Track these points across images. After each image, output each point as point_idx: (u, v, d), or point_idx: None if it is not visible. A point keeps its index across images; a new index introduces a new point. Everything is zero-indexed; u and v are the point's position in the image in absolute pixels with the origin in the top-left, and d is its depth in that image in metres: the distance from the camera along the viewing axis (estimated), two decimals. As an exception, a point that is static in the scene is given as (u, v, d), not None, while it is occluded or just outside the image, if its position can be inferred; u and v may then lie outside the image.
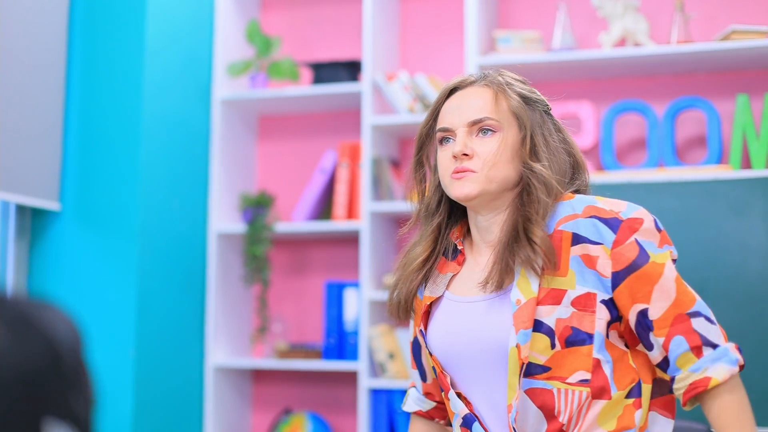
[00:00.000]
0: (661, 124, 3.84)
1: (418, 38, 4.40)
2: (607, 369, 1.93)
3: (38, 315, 0.88)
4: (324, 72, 4.28)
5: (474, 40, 3.92)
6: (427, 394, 2.23)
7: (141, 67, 3.90)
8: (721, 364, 1.89)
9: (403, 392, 3.94)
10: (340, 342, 4.14)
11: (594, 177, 3.66)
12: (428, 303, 2.08)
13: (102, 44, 3.94)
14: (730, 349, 1.91)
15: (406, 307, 2.12)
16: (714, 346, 1.90)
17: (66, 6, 3.87)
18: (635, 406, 1.94)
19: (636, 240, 1.94)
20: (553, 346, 1.92)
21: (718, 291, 3.45)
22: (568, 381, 1.92)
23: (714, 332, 1.91)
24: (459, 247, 2.12)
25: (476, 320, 2.00)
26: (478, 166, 1.98)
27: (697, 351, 1.89)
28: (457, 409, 2.02)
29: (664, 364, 1.93)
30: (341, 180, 4.19)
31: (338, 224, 4.12)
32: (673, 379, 1.93)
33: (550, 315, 1.92)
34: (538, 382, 1.92)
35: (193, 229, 4.22)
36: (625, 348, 1.97)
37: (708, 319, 1.93)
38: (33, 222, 3.89)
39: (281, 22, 4.60)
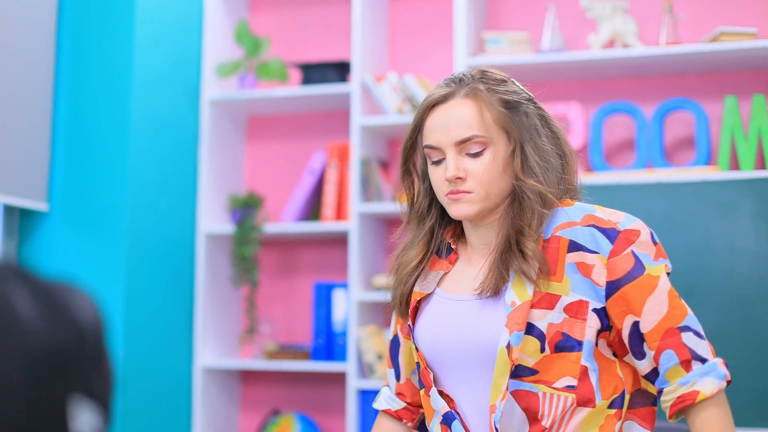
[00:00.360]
0: (650, 125, 3.84)
1: (407, 39, 4.40)
2: (593, 377, 1.94)
3: (66, 296, 0.93)
4: (313, 73, 4.28)
5: (463, 41, 3.92)
6: (399, 394, 2.22)
7: (129, 67, 3.90)
8: (709, 379, 1.90)
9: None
10: (329, 343, 4.13)
11: (583, 178, 3.66)
12: (417, 299, 2.08)
13: (90, 44, 3.93)
14: (718, 364, 1.93)
15: (403, 309, 2.12)
16: (703, 360, 1.92)
17: (54, 5, 3.86)
18: (616, 416, 1.96)
19: (632, 252, 1.94)
20: (542, 350, 1.92)
21: (707, 292, 3.45)
22: (554, 386, 1.92)
23: (703, 347, 1.93)
24: (452, 246, 2.12)
25: (467, 319, 2.00)
26: (473, 186, 1.97)
27: (686, 365, 1.91)
28: (438, 406, 2.01)
29: (653, 375, 1.94)
30: (330, 181, 4.18)
31: (327, 225, 4.12)
32: (660, 391, 1.94)
33: (542, 319, 1.92)
34: (525, 385, 1.93)
35: (181, 230, 4.21)
36: (613, 357, 1.99)
37: (697, 333, 1.94)
38: (21, 222, 3.88)
39: (270, 22, 4.60)
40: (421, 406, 2.19)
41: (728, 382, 1.93)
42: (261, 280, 4.42)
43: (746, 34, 3.69)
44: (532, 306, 1.93)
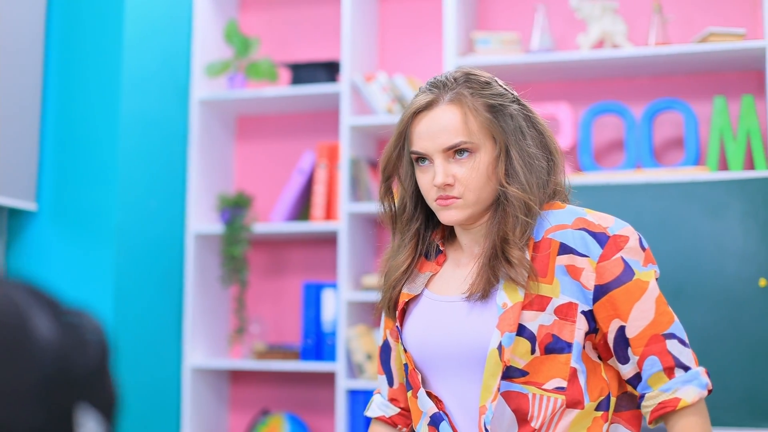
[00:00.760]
0: (639, 125, 3.85)
1: (396, 39, 4.40)
2: (581, 379, 1.95)
3: (75, 315, 1.01)
4: (302, 73, 4.28)
5: (452, 41, 3.92)
6: (392, 400, 2.22)
7: (119, 66, 3.89)
8: (691, 387, 1.91)
9: (381, 393, 3.94)
10: (318, 343, 4.13)
11: (571, 178, 3.66)
12: (405, 300, 2.08)
13: (80, 43, 3.92)
14: (700, 373, 1.93)
15: (391, 313, 2.12)
16: (686, 368, 1.93)
17: (43, 5, 3.85)
18: (603, 419, 1.97)
19: (622, 257, 1.95)
20: (533, 351, 1.93)
21: (695, 292, 3.46)
22: (544, 387, 1.93)
23: (686, 355, 1.94)
24: (441, 248, 2.12)
25: (456, 320, 2.00)
26: (461, 191, 1.97)
27: (669, 372, 1.92)
28: (426, 407, 2.01)
29: (635, 380, 1.96)
30: (319, 181, 4.18)
31: (316, 225, 4.11)
32: (642, 396, 1.95)
33: (533, 321, 1.93)
34: (515, 386, 1.93)
35: (170, 230, 4.21)
36: (598, 360, 2.00)
37: (682, 341, 1.95)
38: (9, 222, 3.87)
39: (260, 22, 4.60)
40: None
41: (709, 391, 1.93)
42: (250, 279, 4.42)
43: (735, 34, 3.70)
44: (523, 308, 1.93)
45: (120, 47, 3.90)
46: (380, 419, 2.23)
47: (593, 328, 1.97)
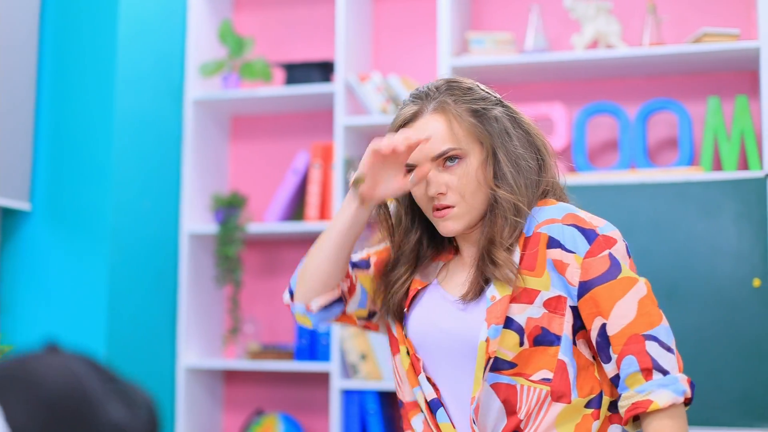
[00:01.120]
0: (633, 125, 3.85)
1: (391, 39, 4.40)
2: (571, 373, 1.96)
3: (133, 392, 1.11)
4: (297, 73, 4.28)
5: (447, 41, 3.92)
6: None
7: (113, 66, 3.89)
8: (665, 391, 1.89)
9: (375, 393, 3.93)
10: (312, 343, 4.13)
11: (565, 177, 3.66)
12: (418, 288, 2.11)
13: (73, 43, 3.92)
14: (680, 379, 1.92)
15: (396, 318, 2.13)
16: (664, 372, 1.91)
17: (37, 4, 3.85)
18: (594, 416, 1.97)
19: (609, 254, 1.97)
20: (521, 343, 1.95)
21: (689, 292, 3.46)
22: (531, 378, 1.95)
23: (668, 360, 1.92)
24: (454, 243, 2.16)
25: (453, 315, 2.03)
26: (455, 200, 2.00)
27: (646, 373, 1.91)
28: (426, 392, 2.04)
29: (616, 379, 1.96)
30: (314, 181, 4.18)
31: (311, 225, 4.11)
32: (619, 396, 1.96)
33: (521, 313, 1.95)
34: (504, 378, 1.96)
35: (164, 230, 4.20)
36: (591, 359, 2.01)
37: (664, 345, 1.93)
38: (3, 222, 3.86)
39: (254, 22, 4.59)
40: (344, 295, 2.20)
41: (688, 400, 1.92)
42: (244, 279, 4.41)
43: (729, 35, 3.70)
44: (512, 300, 1.95)
45: (114, 47, 3.89)
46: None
47: (580, 325, 1.98)
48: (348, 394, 3.98)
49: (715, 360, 3.42)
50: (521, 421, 1.95)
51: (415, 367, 2.07)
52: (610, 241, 1.97)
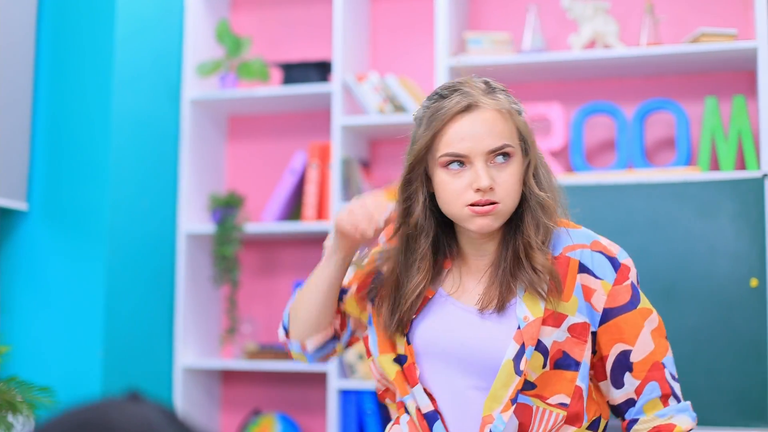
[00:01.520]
0: (631, 125, 3.85)
1: (388, 39, 4.40)
2: (584, 398, 1.98)
3: None
4: (294, 72, 4.27)
5: (444, 41, 3.92)
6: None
7: (110, 66, 3.88)
8: (685, 416, 1.98)
9: (373, 393, 3.93)
10: (310, 343, 4.12)
11: (563, 179, 3.66)
12: (428, 296, 2.06)
13: (71, 43, 3.91)
14: (690, 406, 2.01)
15: (399, 331, 2.08)
16: (678, 399, 2.00)
17: (34, 4, 3.84)
18: None
19: (631, 283, 2.01)
20: (544, 365, 1.95)
21: (687, 293, 3.46)
22: (548, 401, 1.96)
23: (678, 387, 2.01)
24: (447, 254, 2.11)
25: (471, 327, 2.00)
26: (501, 196, 1.94)
27: (665, 399, 1.98)
28: (422, 404, 2.01)
29: (626, 405, 2.01)
30: (311, 180, 4.18)
31: (308, 225, 4.11)
32: (633, 421, 1.99)
33: (549, 336, 1.95)
34: (524, 398, 1.95)
35: (162, 230, 4.20)
36: (590, 381, 2.04)
37: (673, 374, 2.01)
38: (0, 222, 3.85)
39: (251, 22, 4.59)
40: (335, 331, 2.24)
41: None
42: (242, 279, 4.41)
43: (726, 35, 3.70)
44: (542, 322, 1.95)
45: (111, 47, 3.89)
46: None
47: (593, 350, 2.01)
48: (345, 394, 3.97)
49: (712, 360, 3.42)
50: None
51: (408, 377, 2.04)
52: (630, 269, 2.02)
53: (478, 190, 1.92)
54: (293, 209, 4.30)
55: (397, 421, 2.10)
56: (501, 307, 1.97)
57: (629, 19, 4.05)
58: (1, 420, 2.82)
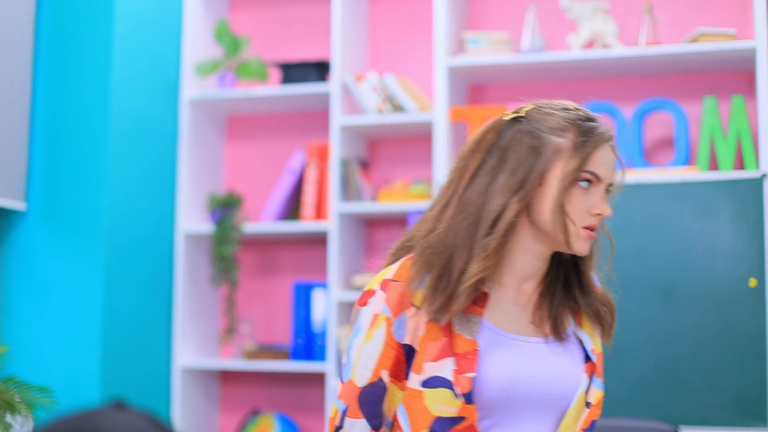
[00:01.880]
0: (629, 125, 3.85)
1: (387, 39, 4.39)
2: None
3: None
4: (293, 72, 4.27)
5: (443, 41, 3.92)
6: None
7: (108, 66, 3.88)
8: None
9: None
10: (308, 343, 4.13)
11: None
12: (476, 348, 1.89)
13: (69, 43, 3.91)
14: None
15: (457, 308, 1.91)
16: None
17: (33, 3, 3.84)
18: None
19: None
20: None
21: (686, 292, 3.46)
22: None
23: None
24: (484, 290, 1.94)
25: (542, 361, 1.93)
26: (598, 227, 1.98)
27: None
28: None
29: None
30: (310, 180, 4.18)
31: (306, 225, 4.11)
32: None
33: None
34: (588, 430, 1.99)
35: (160, 230, 4.20)
36: None
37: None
38: (-2, 222, 3.86)
39: (250, 21, 4.59)
40: None
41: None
42: (240, 279, 4.41)
43: (725, 35, 3.70)
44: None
45: (110, 46, 3.89)
46: None
47: None
48: (344, 394, 3.97)
49: (710, 360, 3.42)
50: None
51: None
52: None
53: (597, 215, 1.93)
54: (292, 209, 4.30)
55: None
56: (559, 335, 1.96)
57: (628, 19, 4.05)
58: (0, 420, 2.82)
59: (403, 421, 1.93)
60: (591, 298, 1.99)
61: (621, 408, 3.40)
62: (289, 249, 4.45)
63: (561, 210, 1.89)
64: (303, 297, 4.14)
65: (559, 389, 1.93)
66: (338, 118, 4.06)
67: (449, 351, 1.88)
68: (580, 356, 1.96)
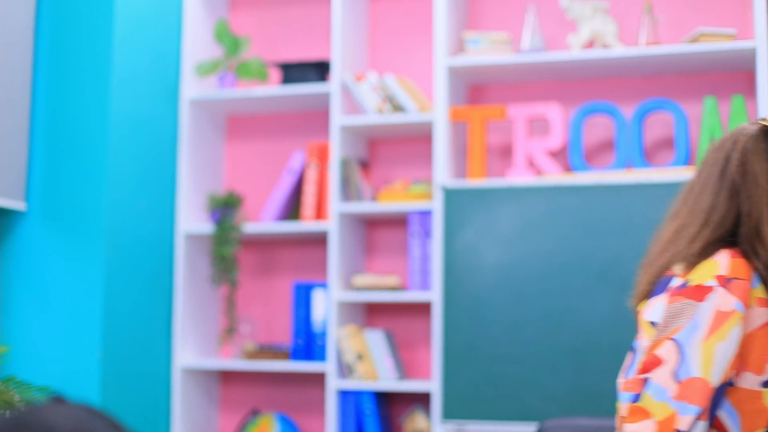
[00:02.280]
0: (629, 125, 3.85)
1: (387, 39, 4.39)
2: None
3: None
4: (293, 72, 4.27)
5: (443, 41, 3.92)
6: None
7: (108, 66, 3.88)
8: None
9: (371, 393, 3.92)
10: (308, 343, 4.13)
11: (562, 178, 3.66)
12: None
13: (69, 43, 3.91)
14: None
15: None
16: None
17: (33, 4, 3.84)
18: None
19: None
20: None
21: (686, 292, 3.46)
22: None
23: None
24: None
25: None
26: None
27: None
28: None
29: None
30: (310, 180, 4.17)
31: (306, 225, 4.11)
32: None
33: None
34: None
35: (160, 230, 4.20)
36: None
37: None
38: (-2, 222, 3.86)
39: (250, 22, 4.59)
40: None
41: None
42: (240, 279, 4.41)
43: (725, 35, 3.70)
44: None
45: (110, 46, 3.89)
46: None
47: None
48: (344, 395, 3.97)
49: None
50: None
51: None
52: None
53: None
54: (292, 209, 4.30)
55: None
56: None
57: (628, 19, 4.05)
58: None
59: (730, 421, 1.89)
60: None
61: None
62: (289, 249, 4.45)
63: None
64: (303, 297, 4.14)
65: None
66: (338, 118, 4.06)
67: None
68: None
